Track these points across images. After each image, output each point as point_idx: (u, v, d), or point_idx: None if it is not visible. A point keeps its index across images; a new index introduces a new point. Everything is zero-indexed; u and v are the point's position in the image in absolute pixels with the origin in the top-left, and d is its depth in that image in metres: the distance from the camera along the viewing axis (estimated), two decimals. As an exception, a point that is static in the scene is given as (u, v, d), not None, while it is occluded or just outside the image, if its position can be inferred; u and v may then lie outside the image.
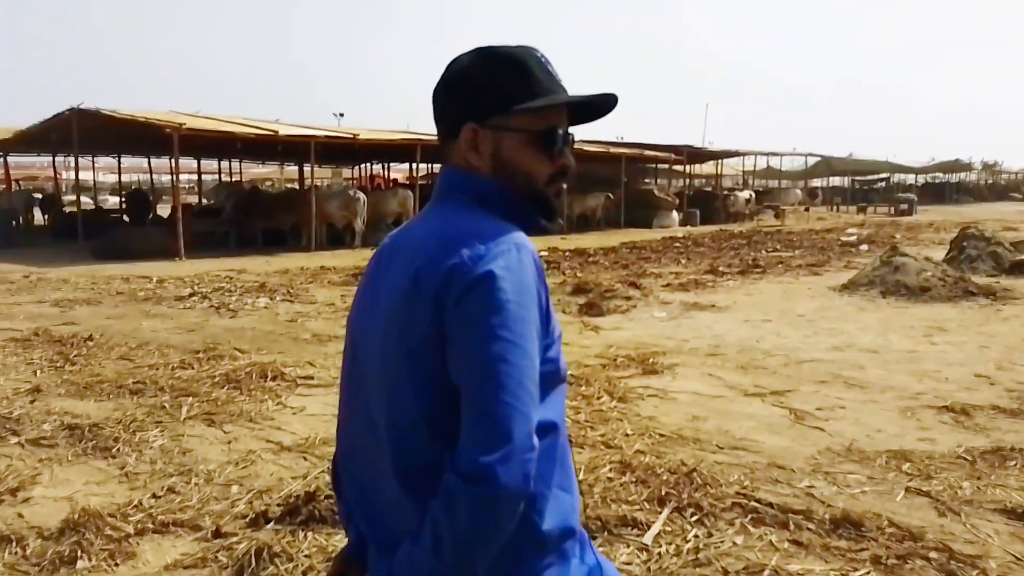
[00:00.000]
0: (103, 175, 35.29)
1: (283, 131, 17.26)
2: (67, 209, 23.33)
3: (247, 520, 3.55)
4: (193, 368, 6.26)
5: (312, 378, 6.00)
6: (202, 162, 29.77)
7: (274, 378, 5.91)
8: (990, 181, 63.22)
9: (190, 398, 5.36)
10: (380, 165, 32.53)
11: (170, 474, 4.07)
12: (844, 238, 20.13)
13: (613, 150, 26.78)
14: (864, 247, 17.47)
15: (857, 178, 53.76)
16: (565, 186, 1.27)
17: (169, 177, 31.29)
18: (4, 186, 26.24)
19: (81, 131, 17.75)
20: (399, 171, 35.32)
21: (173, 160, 16.26)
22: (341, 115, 44.17)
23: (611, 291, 9.92)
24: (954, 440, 4.59)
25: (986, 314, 8.94)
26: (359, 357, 1.23)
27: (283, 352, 6.92)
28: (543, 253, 15.59)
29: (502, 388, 1.04)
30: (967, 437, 4.65)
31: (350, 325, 1.29)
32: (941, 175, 58.34)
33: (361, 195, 18.89)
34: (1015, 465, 4.14)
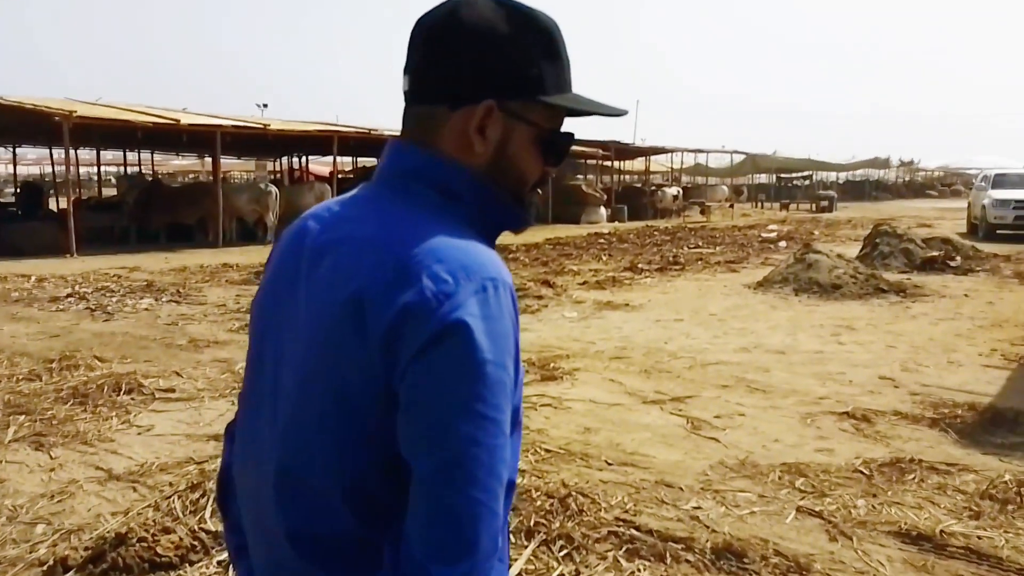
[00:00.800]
0: (4, 167, 33.37)
1: (186, 120, 16.36)
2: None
3: (44, 569, 3.01)
4: (40, 380, 5.60)
5: (174, 391, 5.42)
6: (128, 156, 28.45)
7: (129, 391, 5.32)
8: (908, 179, 65.48)
9: (23, 416, 4.74)
10: (303, 158, 31.52)
11: (-34, 511, 3.48)
12: (764, 235, 20.26)
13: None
14: (783, 244, 17.54)
15: (782, 175, 55.01)
16: (540, 192, 1.05)
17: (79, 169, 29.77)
18: None
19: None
20: (324, 164, 34.40)
21: (64, 150, 15.15)
22: (264, 106, 42.87)
23: (523, 290, 9.53)
24: (852, 450, 4.33)
25: (895, 312, 8.87)
26: (263, 367, 0.98)
27: (150, 360, 6.30)
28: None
29: (471, 480, 0.82)
30: (866, 447, 4.39)
31: (254, 325, 1.03)
32: (862, 173, 60.12)
33: (273, 188, 18.10)
34: (912, 479, 3.88)
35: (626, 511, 3.50)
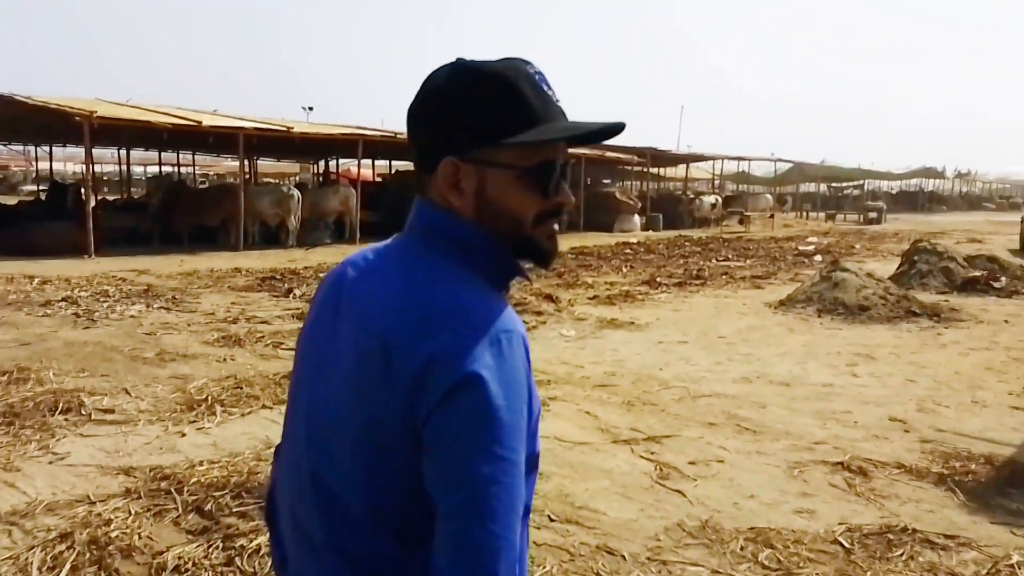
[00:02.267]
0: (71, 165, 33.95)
1: (208, 121, 16.23)
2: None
3: None
4: (-19, 395, 5.32)
5: (113, 411, 5.07)
6: (181, 158, 28.68)
7: (66, 411, 4.99)
8: (964, 190, 63.20)
9: (-61, 438, 4.43)
10: (339, 161, 31.46)
11: None
12: (801, 248, 19.43)
13: (571, 150, 25.84)
14: (818, 258, 16.73)
15: (832, 185, 53.52)
16: (557, 227, 1.08)
17: (118, 168, 30.24)
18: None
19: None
20: (366, 167, 34.31)
21: (85, 150, 15.13)
22: (310, 109, 43.18)
23: (522, 305, 9.05)
24: (837, 513, 3.76)
25: (924, 338, 8.17)
26: (302, 396, 1.10)
27: (107, 375, 5.99)
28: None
29: (491, 516, 0.91)
30: (854, 509, 3.82)
31: (297, 357, 1.15)
32: (915, 183, 58.17)
33: (295, 191, 17.89)
34: (900, 555, 3.31)
35: (552, 585, 3.01)
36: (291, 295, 10.23)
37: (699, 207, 30.68)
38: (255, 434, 4.66)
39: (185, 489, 3.68)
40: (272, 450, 4.87)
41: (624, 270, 14.16)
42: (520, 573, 1.01)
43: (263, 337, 7.49)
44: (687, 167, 34.57)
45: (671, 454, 4.55)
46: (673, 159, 32.29)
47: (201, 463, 3.99)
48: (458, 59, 1.06)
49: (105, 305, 9.04)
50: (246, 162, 34.24)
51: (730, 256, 17.24)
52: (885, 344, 7.84)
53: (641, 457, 4.49)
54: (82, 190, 23.12)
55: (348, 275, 1.09)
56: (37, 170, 28.47)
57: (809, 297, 10.10)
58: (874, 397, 5.89)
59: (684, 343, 7.81)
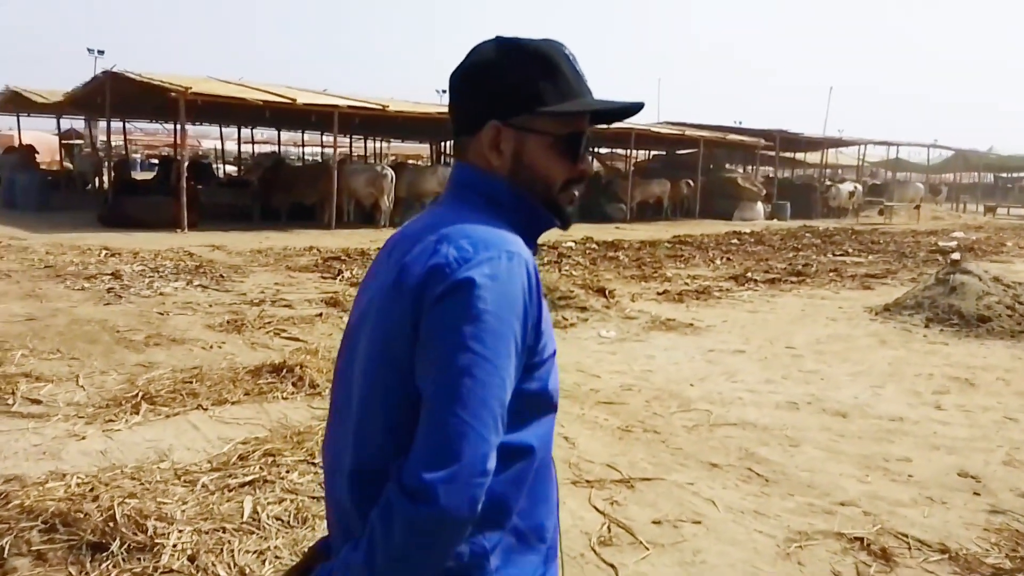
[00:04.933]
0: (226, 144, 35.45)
1: (302, 99, 16.12)
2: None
3: None
4: (-69, 375, 5.05)
5: (40, 402, 4.64)
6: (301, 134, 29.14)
7: (-8, 399, 4.61)
8: None
9: None
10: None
11: None
12: (942, 243, 17.17)
13: (689, 132, 24.31)
14: (956, 255, 14.61)
15: (1001, 175, 48.36)
16: (577, 193, 1.21)
17: (244, 147, 31.32)
18: (88, 150, 26.87)
19: (114, 96, 17.36)
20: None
21: (179, 124, 15.41)
22: (444, 92, 43.03)
23: (567, 298, 8.09)
24: (819, 622, 2.69)
25: (1052, 362, 6.59)
26: (350, 347, 1.18)
27: (78, 358, 5.63)
28: (570, 244, 13.85)
29: (461, 403, 0.99)
30: (847, 617, 2.73)
31: (350, 315, 1.24)
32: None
33: (389, 171, 17.60)
34: None
35: None
36: (340, 277, 9.78)
37: (835, 195, 28.20)
38: (160, 442, 4.07)
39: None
40: (165, 463, 4.35)
41: (718, 262, 12.83)
42: (531, 512, 1.14)
43: (271, 323, 6.99)
44: (824, 153, 31.79)
45: (637, 507, 3.57)
46: (807, 143, 29.76)
47: (46, 481, 3.41)
48: (499, 36, 1.17)
49: (146, 281, 8.89)
50: (369, 142, 34.85)
51: (851, 250, 15.42)
52: (995, 367, 6.35)
53: (595, 508, 3.53)
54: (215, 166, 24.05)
55: (394, 235, 1.21)
56: (215, 150, 29.81)
57: (919, 303, 8.56)
58: (951, 440, 4.59)
59: (740, 352, 6.65)
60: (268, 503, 3.34)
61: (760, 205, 25.58)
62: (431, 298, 1.02)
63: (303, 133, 30.05)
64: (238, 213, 17.81)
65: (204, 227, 15.19)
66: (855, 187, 28.95)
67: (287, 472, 3.72)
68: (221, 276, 9.53)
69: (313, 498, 3.40)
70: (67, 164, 26.20)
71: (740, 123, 30.41)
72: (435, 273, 1.02)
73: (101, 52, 30.49)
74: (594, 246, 14.25)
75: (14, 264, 9.91)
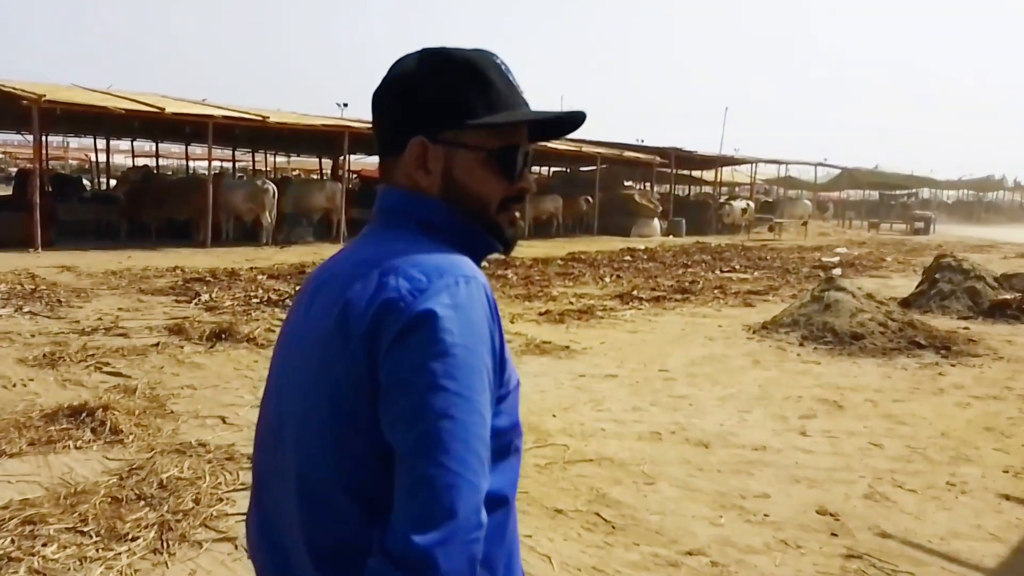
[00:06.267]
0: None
1: (171, 108, 15.15)
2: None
3: None
4: None
5: None
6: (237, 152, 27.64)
7: None
8: (1025, 201, 59.49)
9: None
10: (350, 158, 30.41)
11: None
12: (825, 259, 17.60)
13: (587, 148, 24.34)
14: (838, 271, 14.92)
15: (885, 192, 50.90)
16: (518, 214, 1.11)
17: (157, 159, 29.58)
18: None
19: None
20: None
21: (33, 136, 14.19)
22: (345, 105, 41.92)
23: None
24: None
25: (919, 380, 6.52)
26: (277, 408, 1.05)
27: None
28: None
29: (446, 451, 0.87)
30: None
31: (272, 362, 1.12)
32: (973, 194, 54.91)
33: (271, 186, 16.76)
34: None
35: None
36: (196, 301, 9.01)
37: (728, 212, 28.86)
38: None
39: None
40: None
41: (607, 280, 12.64)
42: (510, 566, 1.02)
43: (94, 355, 6.23)
44: (718, 171, 32.53)
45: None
46: (701, 160, 30.38)
47: None
48: (424, 47, 1.08)
49: (-33, 308, 7.92)
50: (279, 158, 33.47)
51: (738, 267, 15.55)
52: (866, 387, 6.22)
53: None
54: (89, 181, 22.49)
55: (316, 272, 1.10)
56: (97, 162, 27.81)
57: (795, 320, 8.49)
58: (813, 470, 4.33)
59: (612, 377, 6.31)
60: (-4, 590, 2.71)
61: (657, 222, 25.84)
62: (388, 339, 0.91)
63: (186, 147, 28.57)
64: (104, 230, 16.63)
65: (62, 245, 14.09)
66: (747, 204, 29.70)
67: (43, 546, 3.09)
68: (59, 301, 8.61)
69: (56, 580, 2.79)
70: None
71: (642, 141, 30.81)
72: (388, 310, 0.92)
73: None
74: (484, 264, 13.81)
75: None
